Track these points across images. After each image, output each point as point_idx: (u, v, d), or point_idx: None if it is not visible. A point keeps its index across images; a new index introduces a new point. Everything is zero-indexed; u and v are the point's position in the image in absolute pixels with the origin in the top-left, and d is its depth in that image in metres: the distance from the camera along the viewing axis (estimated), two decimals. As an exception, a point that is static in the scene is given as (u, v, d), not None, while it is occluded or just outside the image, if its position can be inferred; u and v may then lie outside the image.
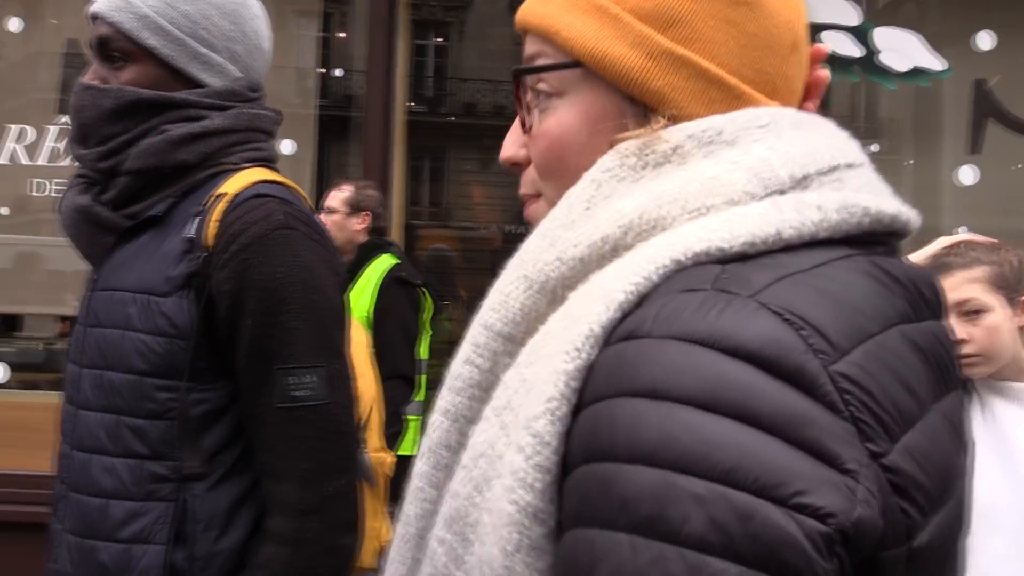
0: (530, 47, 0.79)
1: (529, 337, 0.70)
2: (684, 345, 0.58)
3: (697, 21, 0.72)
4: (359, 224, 3.74)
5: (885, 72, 4.48)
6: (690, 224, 0.66)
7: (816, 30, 4.39)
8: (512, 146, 0.82)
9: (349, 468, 1.46)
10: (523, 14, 0.80)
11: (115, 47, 1.51)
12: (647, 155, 0.70)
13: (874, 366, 0.59)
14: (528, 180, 0.81)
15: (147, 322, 1.43)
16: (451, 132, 8.95)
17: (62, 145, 4.53)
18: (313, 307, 1.44)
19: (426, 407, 4.26)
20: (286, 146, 4.44)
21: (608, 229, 0.68)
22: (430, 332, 4.07)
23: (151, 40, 1.49)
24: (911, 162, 5.11)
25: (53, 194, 4.54)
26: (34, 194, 4.59)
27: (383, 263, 3.72)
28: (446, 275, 5.82)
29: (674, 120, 0.71)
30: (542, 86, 0.77)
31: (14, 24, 4.77)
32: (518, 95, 0.79)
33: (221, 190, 1.48)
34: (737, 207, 0.66)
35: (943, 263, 1.88)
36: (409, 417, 3.78)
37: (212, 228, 1.44)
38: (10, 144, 4.55)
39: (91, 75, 1.54)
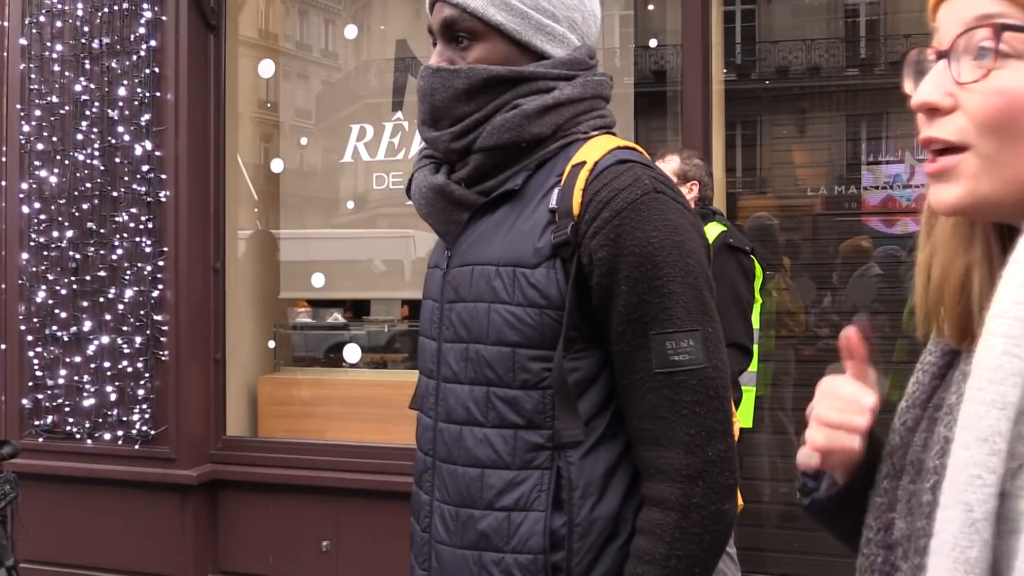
0: (988, 6, 0.83)
1: None
2: None
3: None
4: (688, 194, 3.69)
5: None
6: None
7: None
8: (936, 92, 0.85)
9: (728, 432, 1.43)
10: None
11: (461, 27, 1.52)
12: None
13: None
14: (952, 128, 0.84)
15: (516, 294, 1.44)
16: (764, 97, 8.67)
17: (398, 140, 4.85)
18: (687, 270, 1.41)
19: (760, 379, 4.14)
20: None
21: None
22: (760, 301, 3.95)
23: (497, 16, 1.50)
24: None
25: (391, 187, 4.88)
26: (375, 187, 4.96)
27: (711, 231, 3.66)
28: (770, 244, 5.64)
29: None
30: (1004, 47, 0.81)
31: (351, 31, 5.18)
32: (952, 45, 0.84)
33: (579, 159, 1.47)
34: None
35: None
36: (744, 388, 3.70)
37: (577, 197, 1.43)
38: (352, 143, 4.94)
39: (437, 58, 1.56)
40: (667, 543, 1.38)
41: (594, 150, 1.48)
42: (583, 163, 1.46)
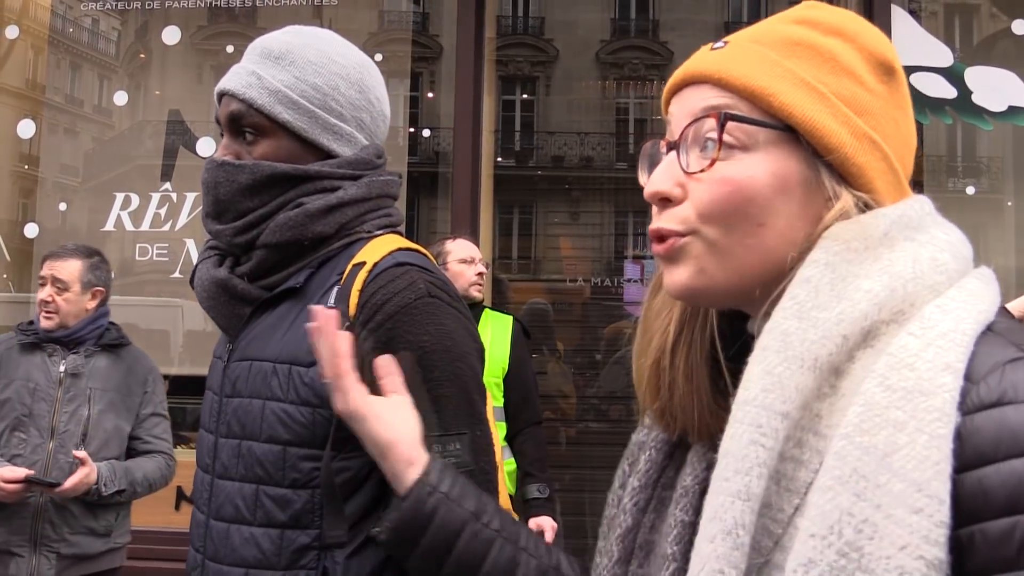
0: (714, 98, 0.85)
1: (798, 412, 0.76)
2: None
3: (880, 115, 0.85)
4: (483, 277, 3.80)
5: (980, 112, 4.36)
6: (943, 300, 0.77)
7: (907, 72, 4.30)
8: (667, 181, 0.86)
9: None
10: (719, 67, 0.86)
11: (247, 122, 1.51)
12: (863, 239, 0.79)
13: None
14: (679, 218, 0.85)
15: (290, 392, 1.42)
16: (539, 185, 9.03)
17: (164, 211, 4.71)
18: (456, 374, 1.42)
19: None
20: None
21: (866, 307, 0.77)
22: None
23: (284, 114, 1.50)
24: (1010, 203, 4.94)
25: (155, 258, 4.71)
26: (138, 259, 4.78)
27: (506, 320, 3.84)
28: (544, 329, 5.82)
29: (865, 195, 0.82)
30: (728, 138, 0.83)
31: (120, 98, 5.02)
32: (681, 136, 0.85)
33: (359, 259, 1.48)
34: (960, 282, 0.80)
35: None
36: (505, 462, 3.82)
37: (354, 298, 1.43)
38: (116, 211, 4.75)
39: (223, 151, 1.55)
40: None
41: (375, 251, 1.48)
42: (363, 263, 1.46)
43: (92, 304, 3.22)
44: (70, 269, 3.18)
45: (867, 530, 0.70)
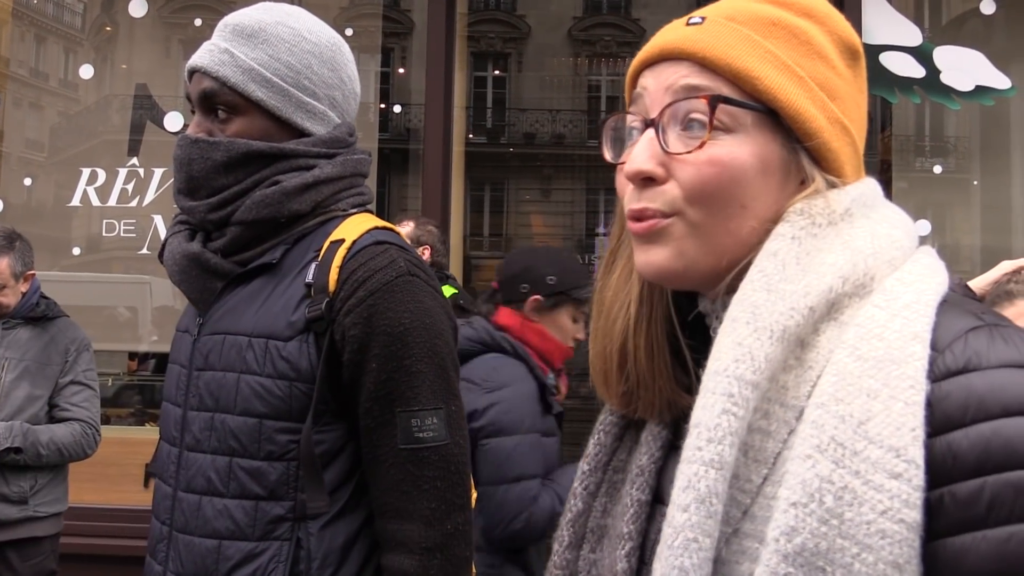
0: (694, 77, 0.84)
1: (766, 383, 0.77)
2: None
3: (847, 99, 0.87)
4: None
5: (948, 91, 4.39)
6: (902, 274, 0.80)
7: (877, 51, 4.33)
8: (650, 160, 0.84)
9: (466, 506, 1.49)
10: (702, 45, 0.84)
11: (220, 100, 1.52)
12: (827, 215, 0.82)
13: None
14: (665, 198, 0.84)
15: (267, 366, 1.45)
16: (511, 162, 9.02)
17: (131, 187, 4.66)
18: (434, 351, 1.47)
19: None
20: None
21: (831, 280, 0.79)
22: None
23: (258, 93, 1.52)
24: (976, 182, 5.00)
25: (123, 234, 4.67)
26: (104, 235, 4.73)
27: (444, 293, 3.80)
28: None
29: (836, 179, 0.85)
30: (715, 120, 0.82)
31: (86, 71, 4.94)
32: (661, 115, 0.84)
33: (337, 236, 1.51)
34: (913, 257, 0.83)
35: (1005, 291, 1.82)
36: None
37: (333, 274, 1.46)
38: (82, 186, 4.70)
39: (195, 128, 1.56)
40: None
41: (352, 228, 1.52)
42: (341, 240, 1.50)
43: (25, 287, 3.35)
44: (1, 269, 3.28)
45: (847, 497, 0.71)
